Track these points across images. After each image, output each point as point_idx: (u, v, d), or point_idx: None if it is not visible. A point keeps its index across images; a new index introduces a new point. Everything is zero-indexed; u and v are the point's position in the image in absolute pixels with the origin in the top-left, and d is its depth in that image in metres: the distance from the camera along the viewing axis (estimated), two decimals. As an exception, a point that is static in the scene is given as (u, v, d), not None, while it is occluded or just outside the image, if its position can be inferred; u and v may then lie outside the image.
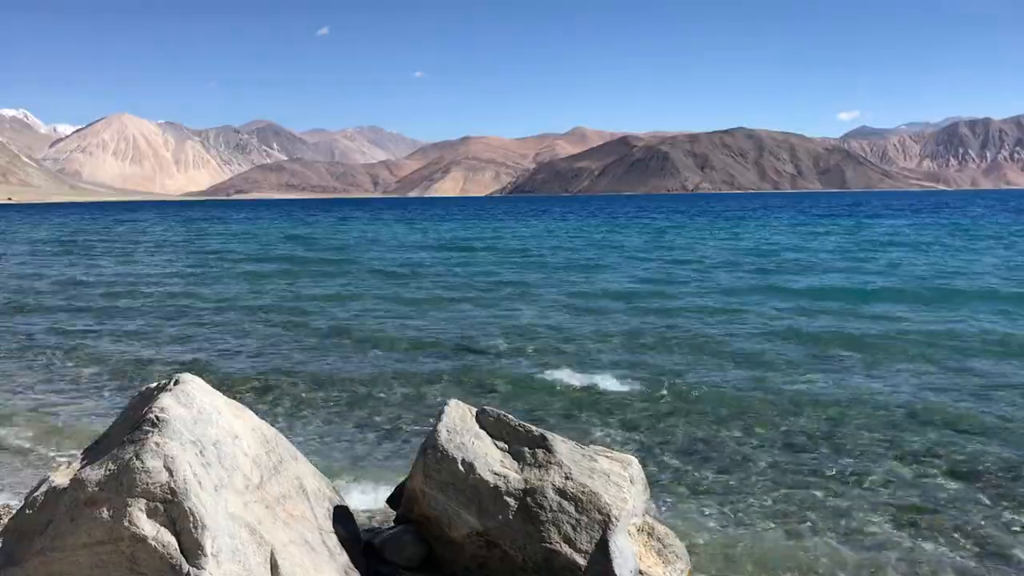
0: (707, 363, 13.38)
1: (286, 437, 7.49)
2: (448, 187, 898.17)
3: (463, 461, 5.81)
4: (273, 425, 6.96)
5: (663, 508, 7.42)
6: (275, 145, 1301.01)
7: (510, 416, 6.10)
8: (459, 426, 6.02)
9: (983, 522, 7.09)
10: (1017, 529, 6.97)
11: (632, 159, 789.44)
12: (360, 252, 40.51)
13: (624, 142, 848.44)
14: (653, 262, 32.57)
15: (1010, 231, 48.50)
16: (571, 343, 15.28)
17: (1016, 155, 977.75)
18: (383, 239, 51.81)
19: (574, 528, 5.60)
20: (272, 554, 5.01)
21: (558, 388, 11.87)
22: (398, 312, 19.53)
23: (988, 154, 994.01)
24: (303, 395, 11.68)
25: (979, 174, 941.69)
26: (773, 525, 7.08)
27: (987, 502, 7.52)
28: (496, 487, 5.75)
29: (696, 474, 8.31)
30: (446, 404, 6.14)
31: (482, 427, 6.12)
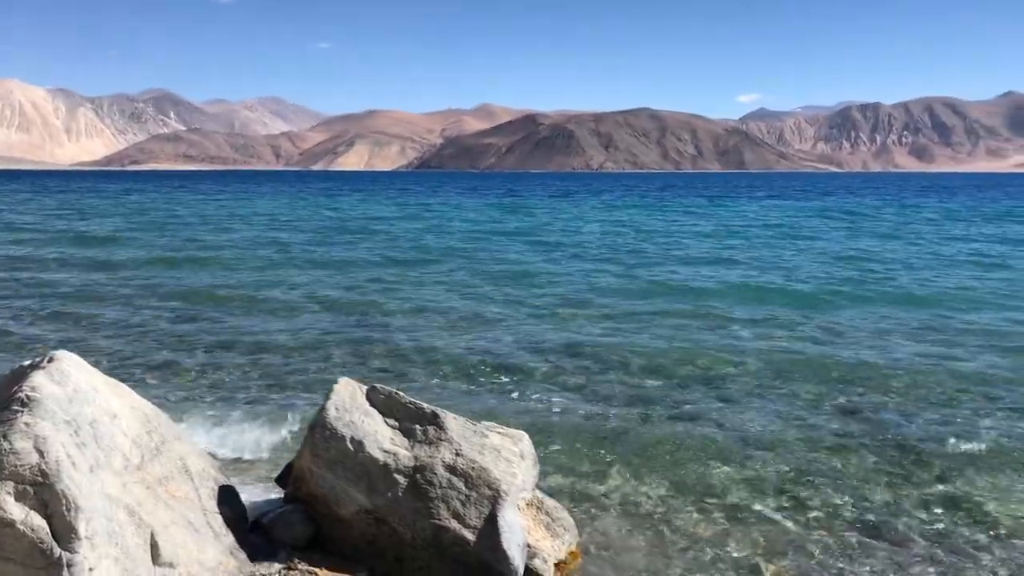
0: (609, 337, 13.56)
1: (175, 416, 7.33)
2: (353, 161, 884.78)
3: (352, 439, 5.78)
4: (162, 405, 6.80)
5: (554, 481, 7.52)
6: (172, 115, 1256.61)
7: (401, 393, 6.09)
8: (348, 404, 5.97)
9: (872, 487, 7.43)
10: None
11: (539, 137, 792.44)
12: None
13: (531, 119, 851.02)
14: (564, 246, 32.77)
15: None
16: (473, 320, 15.29)
17: (904, 139, 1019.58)
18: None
19: (463, 504, 5.64)
20: (152, 535, 4.90)
21: (456, 363, 11.88)
22: (297, 286, 19.21)
23: (878, 137, 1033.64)
24: (192, 373, 11.40)
25: (870, 157, 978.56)
26: (664, 498, 7.23)
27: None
28: (386, 464, 5.74)
29: (589, 448, 8.44)
30: (335, 382, 6.08)
31: (372, 405, 6.09)
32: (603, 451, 8.36)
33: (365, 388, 6.20)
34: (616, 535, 6.55)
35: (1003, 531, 6.68)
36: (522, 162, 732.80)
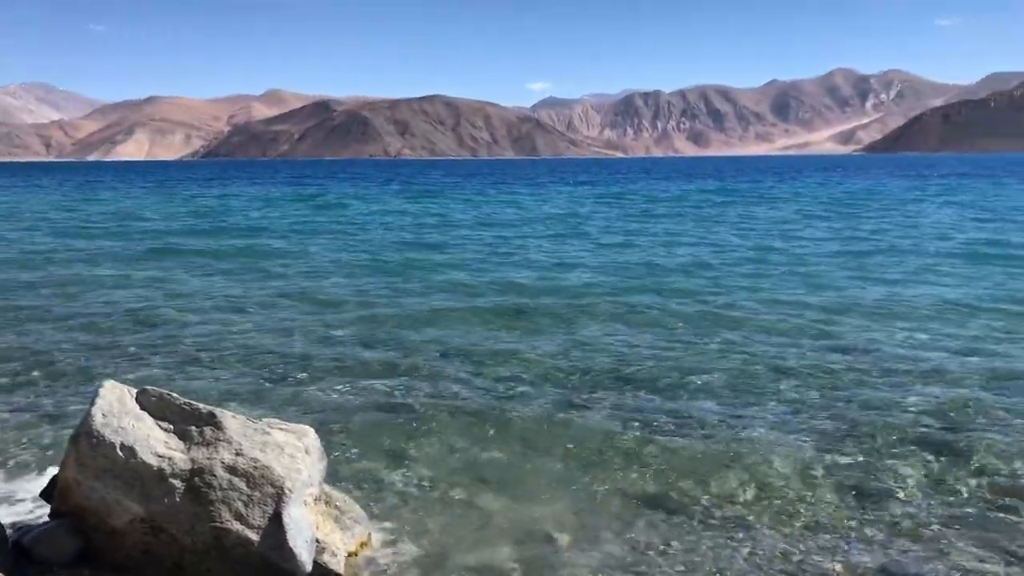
0: (403, 329, 13.55)
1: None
2: (132, 150, 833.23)
3: (122, 445, 5.47)
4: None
5: (346, 473, 7.44)
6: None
7: (174, 395, 5.82)
8: (117, 408, 5.64)
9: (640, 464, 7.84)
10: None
11: (333, 124, 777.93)
12: None
13: (324, 106, 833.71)
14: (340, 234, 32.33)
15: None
16: (259, 315, 14.83)
17: (682, 125, 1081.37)
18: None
19: (246, 504, 5.47)
20: None
21: (240, 359, 11.49)
22: (63, 287, 17.90)
23: (659, 124, 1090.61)
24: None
25: (652, 142, 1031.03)
26: (456, 483, 7.30)
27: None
28: (160, 470, 5.47)
29: (380, 439, 8.41)
30: (101, 386, 5.72)
31: (143, 408, 5.78)
32: (394, 441, 8.35)
33: (135, 391, 5.87)
34: (409, 522, 6.56)
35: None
36: (316, 150, 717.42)
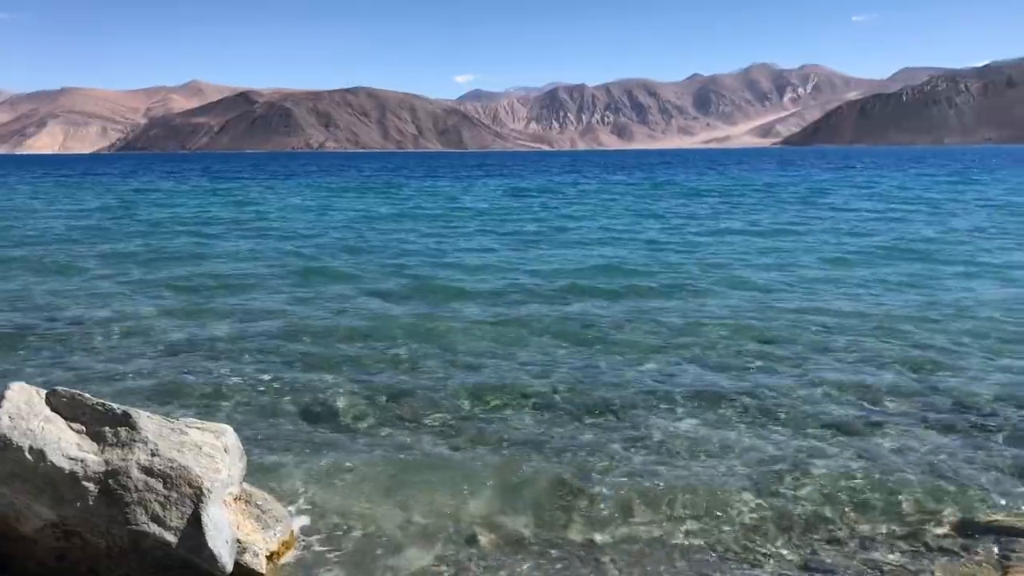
0: (324, 325, 13.41)
1: None
2: (45, 143, 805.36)
3: (31, 448, 5.30)
4: None
5: (266, 473, 7.33)
6: None
7: (86, 395, 5.66)
8: (25, 411, 5.46)
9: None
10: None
11: (254, 116, 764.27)
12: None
13: (245, 98, 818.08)
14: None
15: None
16: (179, 313, 14.51)
17: (606, 119, 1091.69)
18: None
19: (163, 506, 5.36)
20: None
21: (160, 357, 11.23)
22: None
23: (584, 117, 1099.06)
24: None
25: (577, 136, 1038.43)
26: (382, 482, 7.24)
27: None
28: (73, 473, 5.32)
29: (301, 436, 8.32)
30: (8, 388, 5.54)
31: (54, 409, 5.61)
32: (316, 438, 8.28)
33: (44, 392, 5.70)
34: (333, 520, 6.50)
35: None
36: (237, 142, 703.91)
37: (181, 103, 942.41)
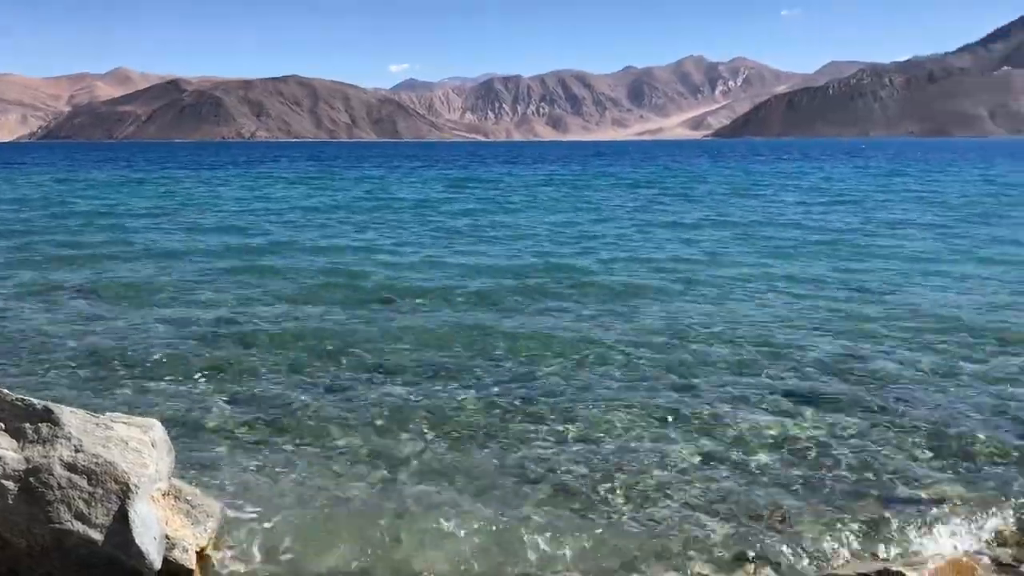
0: (249, 317, 13.20)
1: None
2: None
3: (-53, 447, 5.12)
4: None
5: (196, 467, 7.20)
6: None
7: (5, 391, 5.48)
8: (-60, 408, 5.27)
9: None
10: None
11: (183, 104, 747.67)
12: None
13: (174, 86, 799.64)
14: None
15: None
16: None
17: (542, 110, 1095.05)
18: None
19: (88, 503, 5.23)
20: None
21: (86, 354, 10.91)
22: None
23: (519, 108, 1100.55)
24: None
25: (512, 127, 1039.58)
26: (315, 475, 7.16)
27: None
28: (-9, 471, 5.15)
29: (232, 429, 8.18)
30: (-80, 385, 5.33)
31: (-30, 406, 5.43)
32: (247, 431, 8.15)
33: (-39, 389, 5.51)
34: (265, 514, 6.41)
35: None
36: (165, 131, 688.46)
37: (107, 91, 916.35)
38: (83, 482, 5.26)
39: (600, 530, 6.27)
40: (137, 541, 5.23)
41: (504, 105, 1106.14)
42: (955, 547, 5.98)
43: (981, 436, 7.93)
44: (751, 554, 5.91)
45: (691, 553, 5.94)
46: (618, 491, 6.89)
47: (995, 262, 18.31)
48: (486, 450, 7.75)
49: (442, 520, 6.39)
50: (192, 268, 18.08)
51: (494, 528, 6.26)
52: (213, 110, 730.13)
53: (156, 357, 10.73)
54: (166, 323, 12.68)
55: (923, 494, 6.77)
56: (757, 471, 7.26)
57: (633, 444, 7.86)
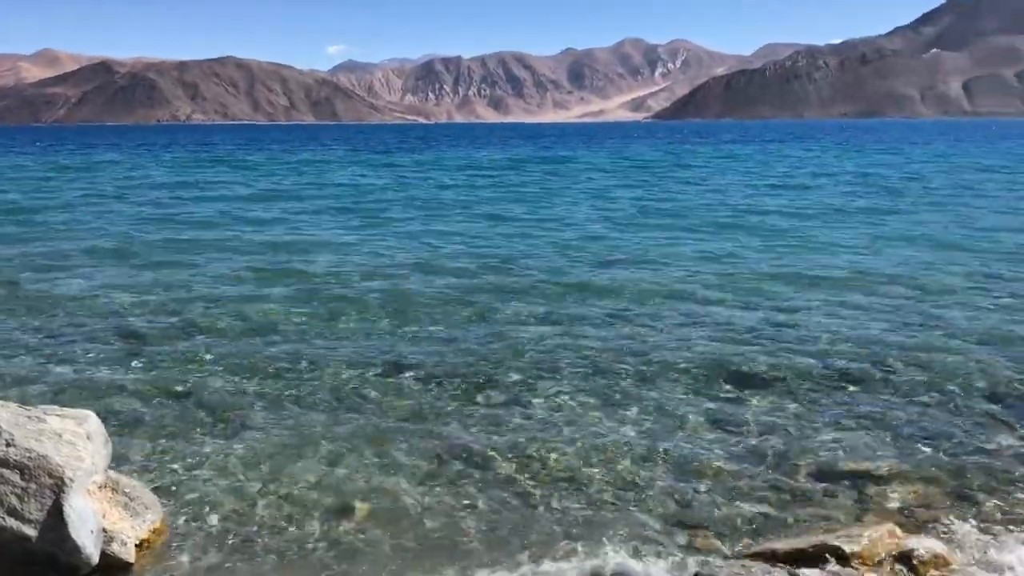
0: (182, 305, 12.97)
1: None
2: None
3: None
4: None
5: (134, 459, 7.07)
6: None
7: (-69, 385, 5.32)
8: None
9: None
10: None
11: (116, 87, 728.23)
12: None
13: (105, 67, 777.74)
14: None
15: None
16: (26, 297, 13.76)
17: (483, 91, 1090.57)
18: None
19: (20, 498, 5.11)
20: None
21: (5, 345, 10.60)
22: None
23: (461, 90, 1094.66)
24: None
25: (454, 108, 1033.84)
26: (252, 464, 7.07)
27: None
28: (-83, 468, 5.00)
29: (169, 419, 8.04)
30: None
31: None
32: (184, 421, 8.01)
33: None
34: (205, 504, 6.33)
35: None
36: (97, 114, 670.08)
37: (34, 72, 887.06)
38: (15, 477, 5.14)
39: (531, 509, 6.34)
40: (73, 536, 5.13)
41: (445, 87, 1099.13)
42: (887, 518, 6.16)
43: (910, 411, 8.19)
44: (689, 529, 6.03)
45: (626, 529, 6.04)
46: (546, 470, 6.96)
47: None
48: (435, 429, 7.77)
49: (396, 496, 6.42)
50: (126, 257, 17.67)
51: (422, 509, 6.29)
52: (147, 92, 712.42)
53: (91, 348, 10.50)
54: (100, 313, 12.40)
55: (856, 467, 6.96)
56: (693, 447, 7.40)
57: (561, 423, 7.94)
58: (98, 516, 5.42)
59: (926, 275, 14.69)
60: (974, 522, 6.04)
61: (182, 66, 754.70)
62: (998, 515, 6.15)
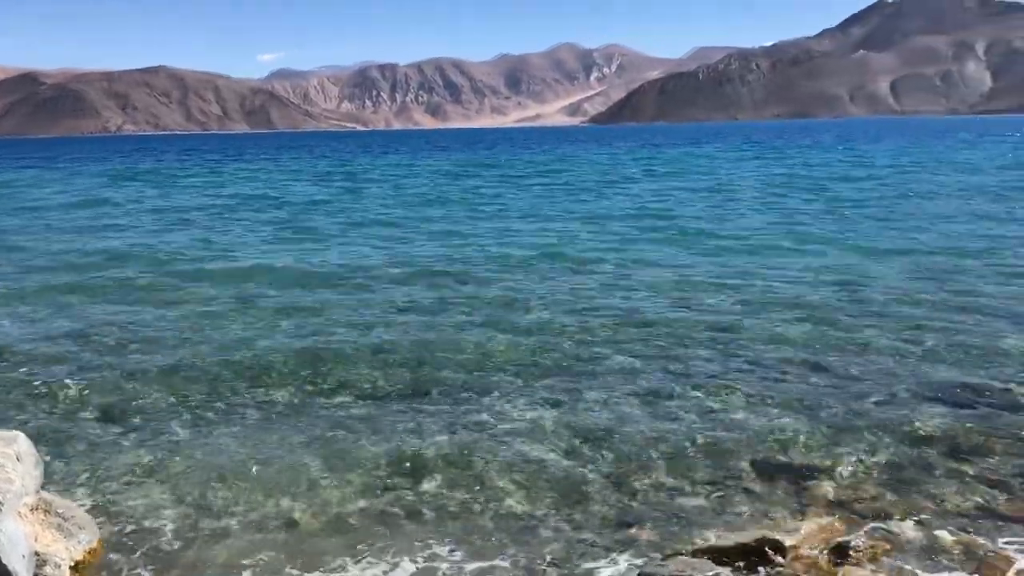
0: (117, 317, 12.70)
1: None
2: None
3: None
4: None
5: (66, 479, 6.89)
6: None
7: None
8: None
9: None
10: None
11: (41, 98, 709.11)
12: None
13: (30, 79, 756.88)
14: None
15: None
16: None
17: (420, 98, 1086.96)
18: None
19: (-53, 523, 4.95)
20: None
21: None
22: None
23: (398, 97, 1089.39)
24: None
25: (392, 115, 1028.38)
26: (189, 481, 6.95)
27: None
28: None
29: (103, 437, 7.88)
30: None
31: None
32: (118, 439, 7.87)
33: None
34: (142, 523, 6.22)
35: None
36: (22, 127, 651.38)
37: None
38: (-59, 502, 4.98)
39: (468, 512, 6.35)
40: (4, 561, 4.99)
41: (382, 94, 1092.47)
42: (826, 511, 6.30)
43: (849, 404, 8.38)
44: (632, 526, 6.09)
45: (567, 528, 6.08)
46: (485, 473, 6.98)
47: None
48: (383, 437, 7.73)
49: (343, 506, 6.41)
50: (55, 273, 17.21)
51: (362, 516, 6.27)
52: (75, 104, 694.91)
53: (19, 365, 10.20)
54: (30, 331, 12.06)
55: (793, 462, 7.10)
56: (637, 445, 7.48)
57: (498, 426, 7.96)
58: (30, 539, 5.28)
59: (857, 272, 15.10)
60: (910, 514, 6.19)
61: (111, 76, 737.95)
62: (932, 506, 6.32)
